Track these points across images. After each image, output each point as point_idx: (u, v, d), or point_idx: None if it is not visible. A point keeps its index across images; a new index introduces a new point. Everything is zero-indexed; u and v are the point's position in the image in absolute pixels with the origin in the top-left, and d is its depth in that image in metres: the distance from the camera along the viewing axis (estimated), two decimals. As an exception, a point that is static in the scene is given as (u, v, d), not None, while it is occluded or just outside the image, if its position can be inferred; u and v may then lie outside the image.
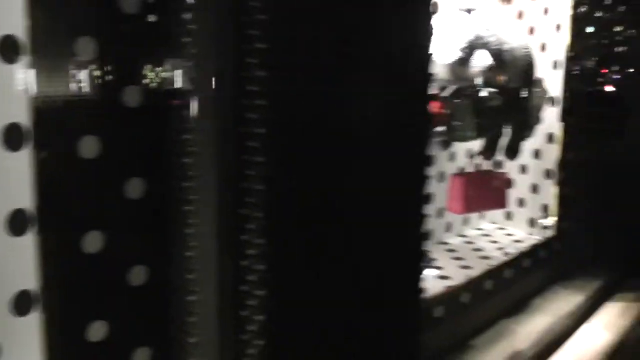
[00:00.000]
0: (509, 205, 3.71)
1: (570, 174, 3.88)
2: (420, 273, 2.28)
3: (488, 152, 3.44)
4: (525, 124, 3.69)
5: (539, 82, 3.77)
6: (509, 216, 4.42)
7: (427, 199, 2.23)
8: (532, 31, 4.13)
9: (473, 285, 3.17)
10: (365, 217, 1.97)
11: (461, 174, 3.51)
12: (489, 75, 2.99)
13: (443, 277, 3.30)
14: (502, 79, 3.27)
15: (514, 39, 3.38)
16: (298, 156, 1.72)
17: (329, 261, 1.84)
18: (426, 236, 2.26)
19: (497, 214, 4.45)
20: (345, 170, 1.88)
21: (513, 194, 4.32)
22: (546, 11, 4.06)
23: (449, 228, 4.10)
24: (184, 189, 1.70)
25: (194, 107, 1.67)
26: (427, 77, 2.15)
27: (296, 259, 1.73)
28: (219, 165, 1.62)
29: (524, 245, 3.87)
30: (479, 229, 4.38)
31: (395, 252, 2.12)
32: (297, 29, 1.66)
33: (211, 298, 1.69)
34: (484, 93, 3.14)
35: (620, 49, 4.19)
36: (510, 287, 3.42)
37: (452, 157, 3.85)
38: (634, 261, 4.37)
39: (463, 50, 2.93)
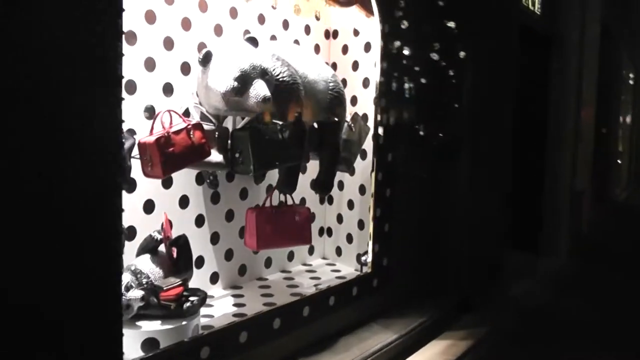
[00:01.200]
0: (311, 240, 3.58)
1: (387, 209, 3.80)
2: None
3: (284, 186, 3.34)
4: (335, 157, 3.62)
5: (357, 117, 3.73)
6: (339, 252, 4.34)
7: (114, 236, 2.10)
8: (355, 66, 4.10)
9: (257, 321, 3.03)
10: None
11: (255, 208, 3.39)
12: (269, 106, 2.89)
13: (237, 315, 3.20)
14: (295, 111, 3.18)
15: (314, 71, 3.33)
16: None
17: None
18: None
19: (329, 249, 4.37)
20: None
21: (342, 230, 4.26)
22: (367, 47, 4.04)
23: (268, 264, 3.97)
24: None
25: None
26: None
27: None
28: None
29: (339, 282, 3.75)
30: (306, 264, 4.27)
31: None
32: None
33: None
34: (264, 125, 3.05)
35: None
36: (307, 324, 3.28)
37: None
38: (464, 296, 4.31)
39: (236, 79, 2.83)
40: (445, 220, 4.31)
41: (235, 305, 3.43)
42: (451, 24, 4.07)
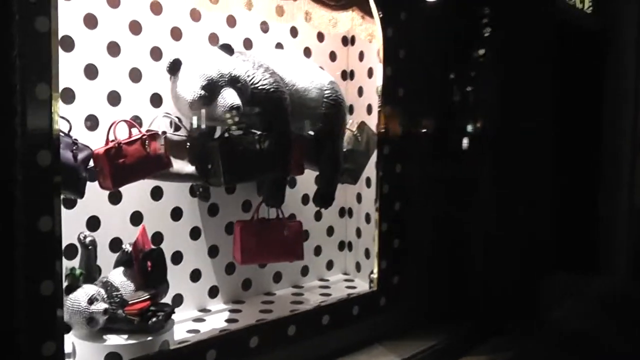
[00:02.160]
0: (302, 256, 3.42)
1: (396, 224, 3.58)
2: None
3: (269, 198, 3.22)
4: (335, 169, 3.46)
5: (364, 126, 3.55)
6: (358, 267, 4.16)
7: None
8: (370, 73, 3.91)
9: (231, 339, 2.92)
10: None
11: (243, 221, 3.29)
12: (238, 116, 2.79)
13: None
14: (278, 120, 3.07)
15: (306, 79, 3.21)
16: None
17: None
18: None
19: (350, 264, 4.20)
20: None
21: (361, 244, 4.08)
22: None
23: (277, 278, 3.86)
24: None
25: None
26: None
27: None
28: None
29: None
30: (323, 280, 4.12)
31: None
32: None
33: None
34: (237, 134, 2.95)
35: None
36: (292, 344, 3.14)
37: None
38: (488, 319, 3.99)
39: (202, 87, 2.75)
40: (467, 236, 4.00)
41: (228, 320, 3.32)
42: (471, 20, 3.78)
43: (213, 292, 3.53)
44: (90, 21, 2.90)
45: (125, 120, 2.70)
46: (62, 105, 2.62)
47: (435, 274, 3.89)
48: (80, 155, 2.48)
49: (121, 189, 2.99)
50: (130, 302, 2.71)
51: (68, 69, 2.78)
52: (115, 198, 3.05)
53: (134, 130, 2.70)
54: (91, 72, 2.92)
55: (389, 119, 3.49)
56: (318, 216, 4.03)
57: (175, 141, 2.84)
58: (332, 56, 4.03)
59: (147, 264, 2.82)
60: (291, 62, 3.23)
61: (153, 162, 2.64)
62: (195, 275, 3.43)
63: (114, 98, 3.01)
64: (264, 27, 3.62)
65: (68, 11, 2.77)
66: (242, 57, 2.98)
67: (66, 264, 2.64)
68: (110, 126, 2.58)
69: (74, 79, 2.84)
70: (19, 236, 2.16)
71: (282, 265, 3.85)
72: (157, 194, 3.22)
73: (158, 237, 3.25)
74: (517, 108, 4.05)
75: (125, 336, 2.73)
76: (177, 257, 3.34)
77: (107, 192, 2.98)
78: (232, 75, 2.77)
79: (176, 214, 3.32)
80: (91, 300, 2.60)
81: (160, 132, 2.76)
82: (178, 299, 3.35)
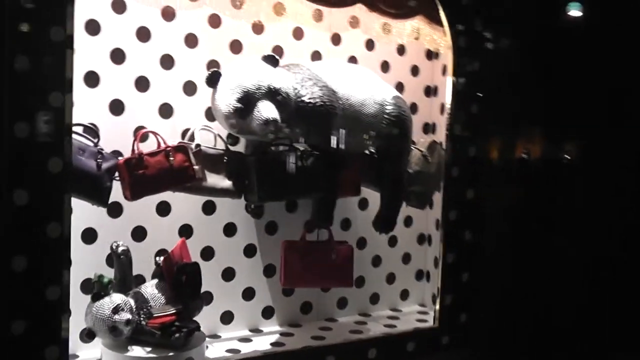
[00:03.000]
0: (352, 282, 3.19)
1: (466, 254, 3.26)
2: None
3: (317, 218, 3.05)
4: (396, 191, 3.22)
5: (435, 145, 3.28)
6: (434, 299, 3.82)
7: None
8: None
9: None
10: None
11: (289, 241, 3.15)
12: (275, 130, 2.68)
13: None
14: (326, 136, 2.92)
15: (364, 93, 3.03)
16: None
17: None
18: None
19: (427, 295, 3.90)
20: None
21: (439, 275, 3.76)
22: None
23: (342, 304, 3.66)
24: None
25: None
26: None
27: None
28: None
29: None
30: (395, 310, 3.86)
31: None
32: None
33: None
34: (286, 149, 2.84)
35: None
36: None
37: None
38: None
39: (238, 100, 2.68)
40: (552, 271, 3.52)
41: (274, 344, 3.19)
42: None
43: (267, 313, 3.41)
44: (143, 34, 2.91)
45: (151, 131, 2.66)
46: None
47: (512, 314, 3.45)
48: (105, 165, 2.48)
49: (169, 201, 2.98)
50: (154, 315, 2.66)
51: (119, 81, 2.86)
52: (163, 210, 3.02)
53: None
54: (142, 85, 2.94)
55: (458, 138, 3.16)
56: (392, 242, 3.77)
57: (211, 154, 2.76)
58: (415, 71, 3.77)
59: (182, 278, 2.75)
60: (349, 76, 3.05)
61: (177, 174, 2.59)
62: (249, 294, 3.34)
63: (166, 111, 3.00)
64: (335, 39, 3.45)
65: (119, 25, 2.82)
66: (289, 70, 2.85)
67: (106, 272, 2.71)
68: (135, 136, 2.56)
69: (124, 90, 2.89)
70: (27, 240, 2.20)
71: (348, 291, 3.63)
72: (209, 208, 3.16)
73: (209, 252, 3.20)
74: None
75: (149, 349, 2.67)
76: (229, 274, 3.26)
77: (154, 204, 2.97)
78: (272, 87, 2.65)
79: (229, 229, 3.24)
80: (116, 310, 2.59)
81: (194, 145, 2.68)
82: (228, 317, 3.27)
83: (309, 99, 2.80)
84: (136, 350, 2.67)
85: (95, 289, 2.64)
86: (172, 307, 2.72)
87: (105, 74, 2.84)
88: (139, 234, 3.00)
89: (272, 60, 2.78)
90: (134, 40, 2.89)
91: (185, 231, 3.11)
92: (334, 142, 2.92)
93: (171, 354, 2.66)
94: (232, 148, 3.01)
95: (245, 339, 3.22)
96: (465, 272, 3.25)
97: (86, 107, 2.75)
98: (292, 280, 3.03)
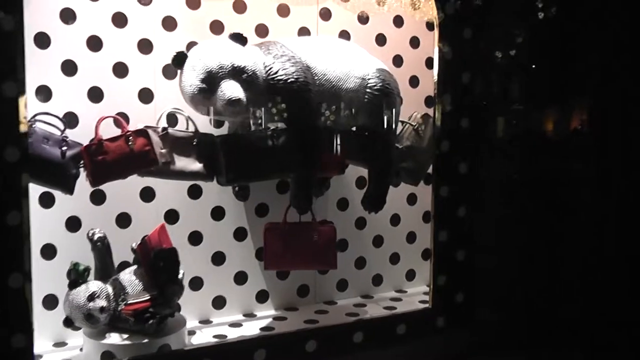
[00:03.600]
0: (336, 264, 3.08)
1: (460, 232, 3.11)
2: None
3: (293, 199, 2.96)
4: (385, 168, 3.10)
5: (428, 119, 3.14)
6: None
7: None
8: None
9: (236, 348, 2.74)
10: None
11: (270, 223, 3.07)
12: (238, 110, 2.61)
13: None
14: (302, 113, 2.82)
15: (344, 67, 2.91)
16: None
17: None
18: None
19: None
20: None
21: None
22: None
23: (342, 286, 3.57)
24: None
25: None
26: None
27: None
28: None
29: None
30: (400, 291, 3.74)
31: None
32: None
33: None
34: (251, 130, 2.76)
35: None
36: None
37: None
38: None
39: (202, 80, 2.61)
40: (559, 248, 3.32)
41: (265, 328, 3.14)
42: None
43: (262, 297, 3.35)
44: (119, 20, 2.90)
45: (112, 116, 2.63)
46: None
47: (514, 295, 3.27)
48: (70, 152, 2.47)
49: (153, 187, 2.98)
50: (128, 302, 2.64)
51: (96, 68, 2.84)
52: (147, 195, 3.00)
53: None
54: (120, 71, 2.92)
55: (448, 109, 3.00)
56: (395, 221, 3.64)
57: (179, 137, 2.70)
58: (414, 42, 3.60)
59: (158, 263, 2.72)
60: (328, 51, 2.93)
61: (137, 159, 2.54)
62: (241, 278, 3.29)
63: (146, 96, 2.98)
64: (325, 14, 3.32)
65: (94, 12, 2.82)
66: (262, 48, 2.76)
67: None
68: (98, 122, 2.53)
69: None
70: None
71: (348, 273, 3.56)
72: (195, 192, 3.11)
73: (197, 237, 3.16)
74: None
75: (126, 336, 2.66)
76: (219, 259, 3.21)
77: (138, 190, 2.95)
78: (236, 66, 2.57)
79: (217, 213, 3.19)
80: (91, 297, 2.58)
81: (160, 129, 2.63)
82: (220, 302, 3.23)
83: (280, 76, 2.70)
84: (113, 338, 2.66)
85: (71, 276, 2.63)
86: (148, 294, 2.67)
87: (83, 62, 2.83)
88: (123, 220, 2.98)
89: (239, 38, 2.70)
90: (110, 27, 2.87)
91: (171, 216, 3.08)
92: (309, 119, 2.79)
93: (145, 340, 2.63)
94: (216, 131, 2.93)
95: (236, 324, 3.17)
96: (460, 249, 3.09)
97: (65, 95, 2.78)
98: (273, 263, 2.95)
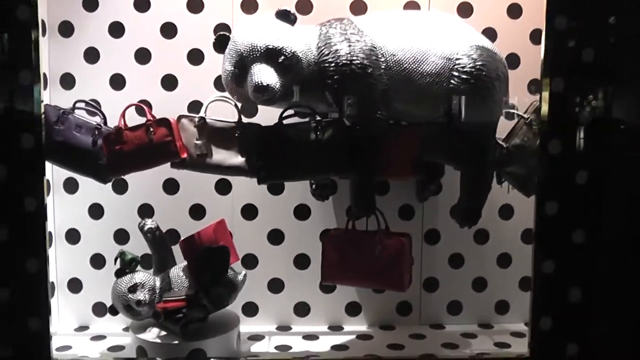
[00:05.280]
0: (403, 285, 2.53)
1: (574, 262, 2.37)
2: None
3: (355, 205, 2.52)
4: (478, 173, 2.52)
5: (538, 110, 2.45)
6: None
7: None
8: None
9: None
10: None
11: (334, 230, 2.67)
12: (270, 98, 2.31)
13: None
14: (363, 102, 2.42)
15: (423, 45, 2.38)
16: None
17: None
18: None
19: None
20: None
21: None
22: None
23: (455, 309, 3.03)
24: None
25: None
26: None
27: None
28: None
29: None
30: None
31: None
32: None
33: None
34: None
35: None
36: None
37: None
38: None
39: (233, 64, 2.36)
40: None
41: (336, 347, 2.79)
42: None
43: (352, 310, 3.00)
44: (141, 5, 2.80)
45: (139, 104, 2.50)
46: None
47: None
48: (101, 140, 2.42)
49: (230, 179, 2.83)
50: (163, 299, 2.54)
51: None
52: (223, 188, 2.87)
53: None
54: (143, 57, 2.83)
55: (559, 98, 2.26)
56: (481, 237, 2.98)
57: (220, 128, 2.47)
58: (514, 11, 2.85)
59: (201, 262, 2.57)
60: (404, 25, 2.42)
61: (157, 150, 2.37)
62: (328, 286, 2.95)
63: (169, 83, 2.84)
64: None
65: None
66: (322, 26, 2.39)
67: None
68: (124, 110, 2.43)
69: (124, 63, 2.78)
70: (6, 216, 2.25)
71: (464, 294, 3.04)
72: (276, 188, 2.88)
73: (277, 236, 3.00)
74: None
75: (164, 334, 2.58)
76: (302, 261, 2.95)
77: (213, 181, 2.85)
78: (271, 47, 2.24)
79: (301, 212, 2.92)
80: (133, 289, 2.55)
81: (197, 118, 2.44)
82: (303, 308, 2.99)
83: (331, 57, 2.29)
84: (149, 333, 2.57)
85: (119, 264, 2.61)
86: (184, 293, 2.53)
87: (105, 49, 2.79)
88: (196, 212, 2.92)
89: (285, 15, 2.35)
90: (132, 12, 2.77)
91: (249, 212, 2.93)
92: (367, 109, 2.32)
93: (176, 342, 2.49)
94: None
95: (313, 336, 2.88)
96: (573, 286, 2.31)
97: (87, 82, 2.78)
98: (331, 275, 2.56)
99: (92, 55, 2.80)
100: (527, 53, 2.80)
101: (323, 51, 2.31)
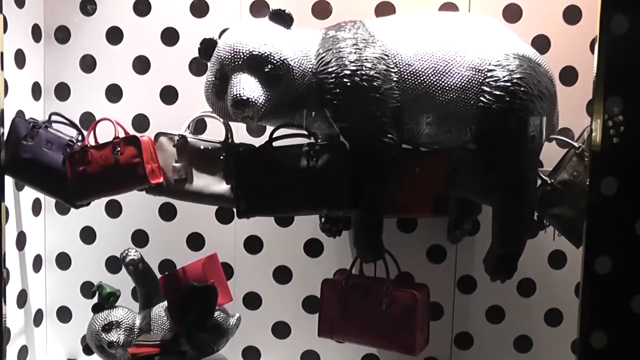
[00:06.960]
0: (414, 349, 2.06)
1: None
2: None
3: (358, 247, 2.09)
4: (515, 212, 2.05)
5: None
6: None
7: None
8: None
9: None
10: None
11: (332, 279, 2.25)
12: (250, 114, 1.93)
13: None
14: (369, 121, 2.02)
15: (448, 50, 1.95)
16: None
17: None
18: None
19: None
20: None
21: None
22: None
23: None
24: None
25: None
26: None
27: None
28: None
29: None
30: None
31: None
32: None
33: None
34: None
35: None
36: None
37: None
38: None
39: (214, 74, 2.00)
40: None
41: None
42: None
43: (308, 357, 2.58)
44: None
45: (107, 119, 2.18)
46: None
47: None
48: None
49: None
50: (134, 342, 2.22)
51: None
52: (225, 216, 2.53)
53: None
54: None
55: (615, 122, 1.76)
56: (523, 288, 2.45)
57: (204, 149, 2.11)
58: (571, 15, 2.35)
59: (186, 302, 2.24)
60: (428, 29, 1.98)
61: (123, 173, 2.04)
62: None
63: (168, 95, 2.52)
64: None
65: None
66: (325, 31, 2.00)
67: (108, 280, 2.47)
68: (92, 126, 2.13)
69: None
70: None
71: (504, 354, 2.55)
72: (284, 220, 2.52)
73: (284, 274, 2.60)
74: None
75: (145, 379, 2.25)
76: (312, 304, 2.54)
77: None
78: (255, 54, 1.87)
79: (313, 247, 2.53)
80: (108, 327, 2.25)
81: (176, 137, 2.11)
82: (311, 357, 2.56)
83: (332, 67, 1.90)
84: (129, 378, 2.24)
85: (97, 298, 2.32)
86: (160, 337, 2.19)
87: (102, 57, 2.52)
88: (194, 241, 2.59)
89: (279, 17, 1.96)
90: (131, 15, 2.48)
91: (253, 244, 2.55)
92: (372, 131, 1.91)
93: (146, 390, 2.15)
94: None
95: None
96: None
97: (82, 93, 2.53)
98: (329, 331, 2.13)
99: (88, 64, 2.55)
100: (586, 66, 2.27)
101: (323, 59, 1.91)
